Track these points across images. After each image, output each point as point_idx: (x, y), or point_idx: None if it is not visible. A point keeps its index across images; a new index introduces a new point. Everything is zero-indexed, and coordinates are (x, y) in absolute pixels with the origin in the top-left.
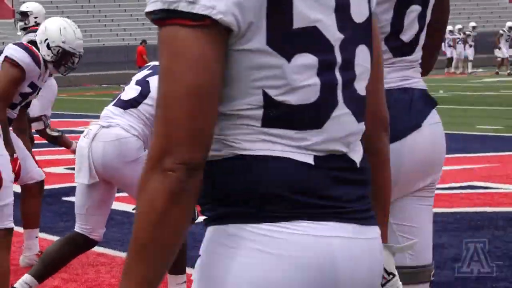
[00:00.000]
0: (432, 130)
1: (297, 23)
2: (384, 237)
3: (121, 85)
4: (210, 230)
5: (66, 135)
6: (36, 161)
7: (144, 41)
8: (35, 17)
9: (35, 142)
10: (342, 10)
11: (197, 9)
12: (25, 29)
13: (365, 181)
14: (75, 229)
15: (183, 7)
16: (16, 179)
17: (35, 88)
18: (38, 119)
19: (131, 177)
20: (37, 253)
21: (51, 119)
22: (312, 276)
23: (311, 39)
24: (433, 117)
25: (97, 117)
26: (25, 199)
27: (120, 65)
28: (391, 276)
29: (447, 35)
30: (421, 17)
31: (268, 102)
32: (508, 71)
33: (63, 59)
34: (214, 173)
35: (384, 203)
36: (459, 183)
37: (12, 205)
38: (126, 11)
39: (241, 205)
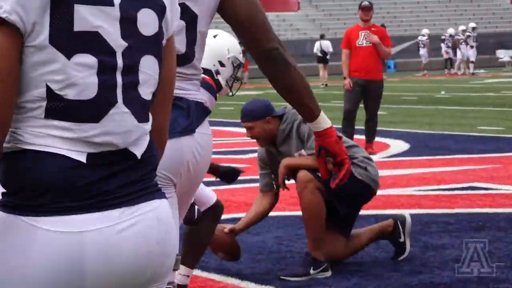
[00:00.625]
0: (201, 138)
1: (78, 27)
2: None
3: None
4: None
5: None
6: None
7: None
8: None
9: None
10: (127, 21)
11: None
12: None
13: (143, 168)
14: None
15: None
16: None
17: None
18: None
19: None
20: None
21: None
22: (58, 269)
23: (92, 42)
24: (204, 127)
25: None
26: None
27: None
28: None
29: (447, 37)
30: (189, 31)
31: (51, 95)
32: (467, 72)
33: None
34: (2, 163)
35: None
36: (460, 184)
37: None
38: None
39: (17, 196)
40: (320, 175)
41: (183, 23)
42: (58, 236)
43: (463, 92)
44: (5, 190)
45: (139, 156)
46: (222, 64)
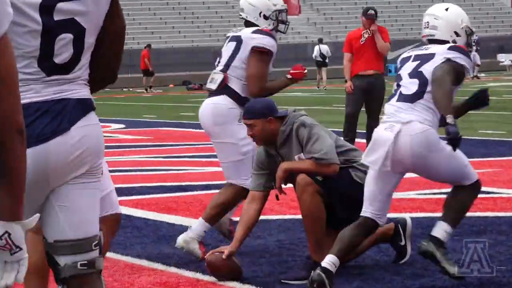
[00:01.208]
0: (81, 132)
1: None
2: (15, 214)
3: (123, 89)
4: None
5: None
6: None
7: (148, 45)
8: None
9: None
10: None
11: None
12: None
13: None
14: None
15: None
16: None
17: None
18: None
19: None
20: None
21: None
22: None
23: None
24: (87, 120)
25: (102, 120)
26: None
27: (123, 69)
28: (18, 249)
29: None
30: (76, 42)
31: None
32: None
33: None
34: None
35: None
36: None
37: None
38: (129, 15)
39: None
40: (319, 178)
41: (70, 35)
42: None
43: (464, 96)
44: None
45: None
46: (457, 34)
